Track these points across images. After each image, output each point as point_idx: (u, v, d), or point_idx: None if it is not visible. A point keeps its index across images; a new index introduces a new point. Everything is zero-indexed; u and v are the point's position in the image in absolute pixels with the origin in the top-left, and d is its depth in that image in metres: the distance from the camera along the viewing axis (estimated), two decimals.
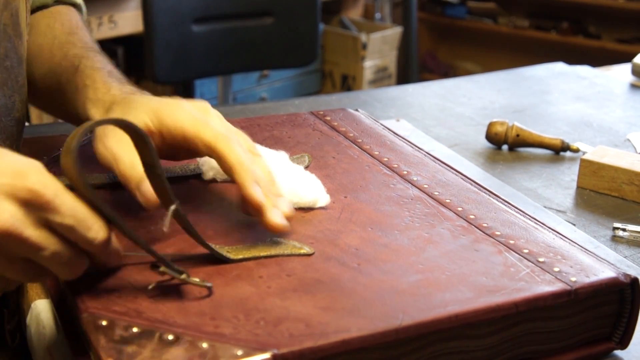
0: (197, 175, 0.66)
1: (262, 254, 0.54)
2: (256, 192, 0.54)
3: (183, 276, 0.49)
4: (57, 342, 0.52)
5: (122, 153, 0.55)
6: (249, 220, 0.59)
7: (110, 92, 0.63)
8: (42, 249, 0.44)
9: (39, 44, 0.73)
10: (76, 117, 0.66)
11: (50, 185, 0.44)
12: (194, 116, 0.57)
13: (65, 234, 0.45)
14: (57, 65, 0.70)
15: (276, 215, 0.55)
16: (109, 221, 0.47)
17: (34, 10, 0.76)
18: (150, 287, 0.48)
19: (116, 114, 0.59)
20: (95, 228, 0.46)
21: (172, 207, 0.50)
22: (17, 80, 0.64)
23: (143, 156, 0.51)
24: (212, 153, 0.56)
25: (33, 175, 0.44)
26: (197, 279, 0.49)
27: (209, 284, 0.49)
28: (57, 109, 0.74)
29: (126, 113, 0.58)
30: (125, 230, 0.48)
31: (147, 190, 0.53)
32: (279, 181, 0.60)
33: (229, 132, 0.58)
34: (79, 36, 0.73)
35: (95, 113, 0.62)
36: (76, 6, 0.81)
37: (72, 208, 0.44)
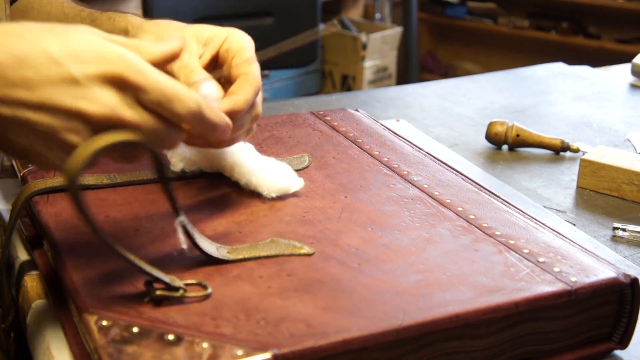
0: (198, 176, 0.66)
1: (262, 253, 0.54)
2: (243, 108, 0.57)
3: (180, 292, 0.48)
4: (57, 342, 0.52)
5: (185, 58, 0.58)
6: (249, 220, 0.59)
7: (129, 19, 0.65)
8: (140, 126, 0.47)
9: (46, 12, 0.73)
10: None
11: (134, 66, 0.46)
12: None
13: (156, 110, 0.47)
14: (76, 18, 0.70)
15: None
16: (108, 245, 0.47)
17: None
18: (146, 300, 0.48)
19: (173, 24, 0.63)
20: (179, 100, 0.48)
21: (180, 219, 0.50)
22: None
23: (155, 168, 0.50)
24: (244, 55, 0.59)
25: (116, 60, 0.45)
26: (193, 294, 0.48)
27: (208, 292, 0.49)
28: None
29: (186, 25, 0.62)
30: (123, 253, 0.48)
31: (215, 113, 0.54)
32: (252, 170, 0.63)
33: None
34: (88, 5, 0.73)
35: (136, 20, 0.65)
36: None
37: (157, 85, 0.47)
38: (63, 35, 0.46)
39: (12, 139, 0.46)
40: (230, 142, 0.60)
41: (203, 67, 0.60)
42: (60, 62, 0.44)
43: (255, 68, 0.59)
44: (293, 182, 0.64)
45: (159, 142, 0.49)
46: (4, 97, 0.44)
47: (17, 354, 0.61)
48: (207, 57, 0.61)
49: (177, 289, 0.48)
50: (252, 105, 0.58)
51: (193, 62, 0.60)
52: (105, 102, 0.45)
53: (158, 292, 0.47)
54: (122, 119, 0.46)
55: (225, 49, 0.61)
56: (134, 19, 0.65)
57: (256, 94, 0.58)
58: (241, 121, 0.57)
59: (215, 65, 0.62)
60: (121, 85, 0.45)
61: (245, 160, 0.63)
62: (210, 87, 0.57)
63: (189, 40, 0.61)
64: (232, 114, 0.55)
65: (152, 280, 0.48)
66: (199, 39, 0.62)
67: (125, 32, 0.64)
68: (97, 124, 0.45)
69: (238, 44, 0.61)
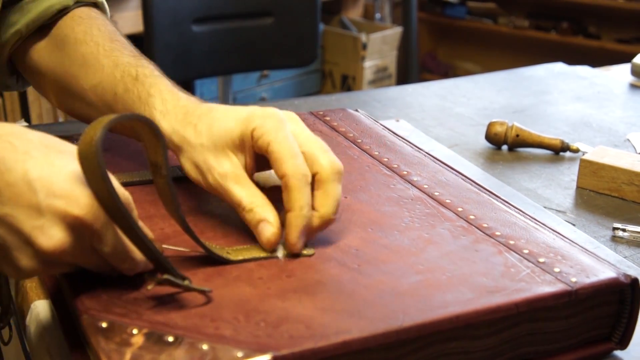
0: None
1: (262, 255, 0.54)
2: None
3: (186, 282, 0.48)
4: (57, 342, 0.52)
5: (238, 193, 0.55)
6: None
7: (180, 102, 0.61)
8: (86, 264, 0.48)
9: (82, 54, 0.70)
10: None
11: (100, 215, 0.46)
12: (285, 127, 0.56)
13: (107, 259, 0.48)
14: (110, 75, 0.66)
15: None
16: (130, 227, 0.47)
17: (54, 15, 0.74)
18: (149, 287, 0.48)
19: (199, 128, 0.57)
20: (129, 261, 0.49)
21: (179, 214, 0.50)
22: None
23: (152, 154, 0.50)
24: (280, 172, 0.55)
25: (85, 203, 0.45)
26: (196, 287, 0.49)
27: (207, 290, 0.49)
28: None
29: (212, 125, 0.57)
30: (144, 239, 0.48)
31: (266, 230, 0.54)
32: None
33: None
34: (122, 42, 0.70)
35: (165, 126, 0.59)
36: (97, 5, 0.78)
37: (114, 241, 0.47)
38: (50, 160, 0.46)
39: None
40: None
41: (249, 172, 0.57)
42: (33, 188, 0.45)
43: (291, 168, 0.54)
44: None
45: (104, 273, 0.50)
46: None
47: (17, 352, 0.61)
48: (250, 163, 0.57)
49: (183, 278, 0.48)
50: None
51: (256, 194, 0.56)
52: (58, 238, 0.45)
53: (165, 276, 0.48)
54: (69, 257, 0.46)
55: (257, 147, 0.56)
56: (167, 127, 0.60)
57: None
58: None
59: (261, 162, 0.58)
60: (80, 227, 0.45)
61: None
62: None
63: (227, 158, 0.57)
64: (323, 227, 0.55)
65: (154, 272, 0.49)
66: (232, 148, 0.57)
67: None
68: (45, 255, 0.45)
69: (264, 141, 0.55)
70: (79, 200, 0.45)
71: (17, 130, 0.47)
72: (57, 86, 0.73)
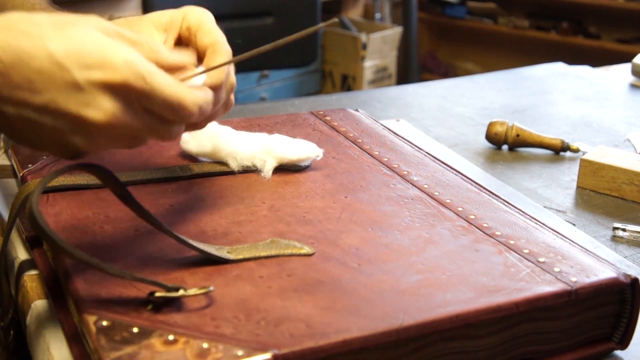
0: (198, 175, 0.66)
1: (263, 254, 0.54)
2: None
3: (180, 292, 0.48)
4: (57, 342, 0.52)
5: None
6: (249, 220, 0.59)
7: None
8: (143, 130, 0.48)
9: (17, 7, 0.70)
10: None
11: (139, 74, 0.45)
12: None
13: (160, 114, 0.48)
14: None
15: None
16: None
17: None
18: (148, 308, 0.47)
19: (131, 19, 0.60)
20: (184, 107, 0.48)
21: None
22: None
23: (114, 190, 0.51)
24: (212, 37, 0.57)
25: (121, 66, 0.45)
26: (195, 290, 0.48)
27: (210, 289, 0.48)
28: None
29: (145, 16, 0.60)
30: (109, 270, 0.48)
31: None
32: (273, 144, 0.67)
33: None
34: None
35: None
36: None
37: (160, 93, 0.46)
38: (69, 33, 0.45)
39: (20, 133, 0.46)
40: (211, 118, 0.57)
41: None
42: (64, 66, 0.44)
43: (221, 36, 0.58)
44: (312, 150, 0.68)
45: (160, 137, 0.49)
46: (8, 97, 0.44)
47: (17, 351, 0.61)
48: (170, 42, 0.60)
49: (176, 289, 0.48)
50: (227, 75, 0.57)
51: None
52: (108, 109, 0.45)
53: (157, 294, 0.47)
54: (124, 125, 0.46)
55: (185, 27, 0.59)
56: None
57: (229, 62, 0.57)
58: (218, 95, 0.56)
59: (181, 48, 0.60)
60: (125, 92, 0.45)
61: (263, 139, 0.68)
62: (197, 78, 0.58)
63: (149, 31, 0.60)
64: (214, 90, 0.54)
65: (152, 290, 0.48)
66: (158, 26, 0.60)
67: None
68: (100, 129, 0.45)
69: (196, 19, 0.59)
70: (115, 65, 0.45)
71: (22, 18, 0.46)
72: None
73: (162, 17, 0.60)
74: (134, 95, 0.46)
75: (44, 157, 0.68)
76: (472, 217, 0.61)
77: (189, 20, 0.59)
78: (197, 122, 0.53)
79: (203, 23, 0.59)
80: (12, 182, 0.74)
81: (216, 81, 0.54)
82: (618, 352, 0.55)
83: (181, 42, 0.60)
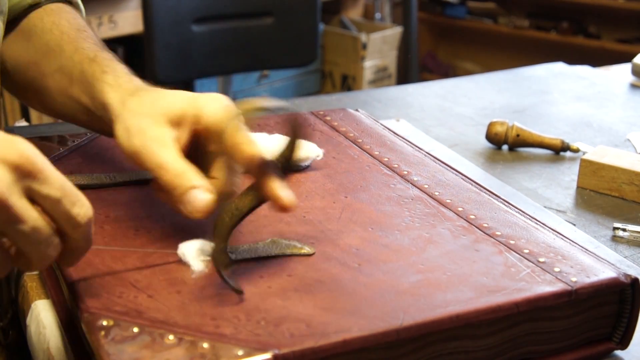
0: None
1: (263, 254, 0.54)
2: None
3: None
4: (57, 342, 0.52)
5: (166, 156, 0.52)
6: (249, 220, 0.59)
7: (132, 81, 0.59)
8: (24, 221, 0.41)
9: (46, 42, 0.68)
10: (88, 107, 0.62)
11: (40, 155, 0.42)
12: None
13: (49, 207, 0.43)
14: (69, 59, 0.64)
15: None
16: None
17: (25, 9, 0.73)
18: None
19: (144, 99, 0.56)
20: (80, 203, 0.44)
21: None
22: None
23: None
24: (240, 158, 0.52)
25: (24, 144, 0.42)
26: (231, 283, 0.48)
27: (240, 291, 0.49)
28: (67, 109, 0.66)
29: (158, 98, 0.56)
30: None
31: (194, 199, 0.52)
32: (272, 144, 0.66)
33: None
34: (88, 33, 0.69)
35: (114, 98, 0.57)
36: (73, 4, 0.77)
37: (60, 180, 0.43)
38: None
39: None
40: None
41: (185, 152, 0.54)
42: None
43: (246, 137, 0.52)
44: (312, 150, 0.68)
45: (34, 247, 0.43)
46: None
47: (17, 351, 0.62)
48: (185, 140, 0.55)
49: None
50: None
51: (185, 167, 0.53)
52: None
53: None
54: (6, 204, 0.40)
55: (203, 128, 0.55)
56: (115, 99, 0.58)
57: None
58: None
59: (196, 143, 0.56)
60: (20, 168, 0.41)
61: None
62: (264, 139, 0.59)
63: (159, 127, 0.54)
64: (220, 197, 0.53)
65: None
66: (171, 120, 0.55)
67: (103, 109, 0.59)
68: None
69: (215, 121, 0.55)
70: (17, 143, 0.42)
71: None
72: (21, 77, 0.71)
73: (172, 107, 0.55)
74: (27, 172, 0.42)
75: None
76: (472, 217, 0.61)
77: (207, 120, 0.55)
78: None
79: (222, 124, 0.54)
80: None
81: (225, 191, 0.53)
82: (618, 352, 0.55)
83: (196, 138, 0.56)
